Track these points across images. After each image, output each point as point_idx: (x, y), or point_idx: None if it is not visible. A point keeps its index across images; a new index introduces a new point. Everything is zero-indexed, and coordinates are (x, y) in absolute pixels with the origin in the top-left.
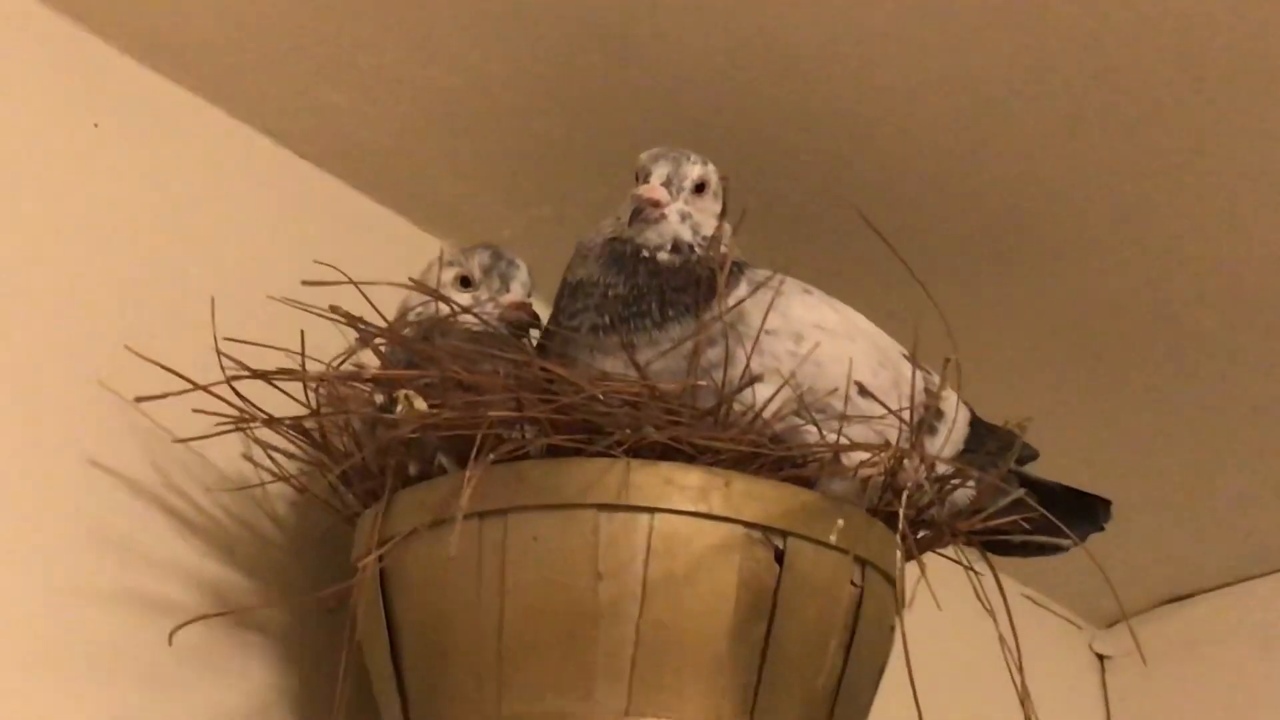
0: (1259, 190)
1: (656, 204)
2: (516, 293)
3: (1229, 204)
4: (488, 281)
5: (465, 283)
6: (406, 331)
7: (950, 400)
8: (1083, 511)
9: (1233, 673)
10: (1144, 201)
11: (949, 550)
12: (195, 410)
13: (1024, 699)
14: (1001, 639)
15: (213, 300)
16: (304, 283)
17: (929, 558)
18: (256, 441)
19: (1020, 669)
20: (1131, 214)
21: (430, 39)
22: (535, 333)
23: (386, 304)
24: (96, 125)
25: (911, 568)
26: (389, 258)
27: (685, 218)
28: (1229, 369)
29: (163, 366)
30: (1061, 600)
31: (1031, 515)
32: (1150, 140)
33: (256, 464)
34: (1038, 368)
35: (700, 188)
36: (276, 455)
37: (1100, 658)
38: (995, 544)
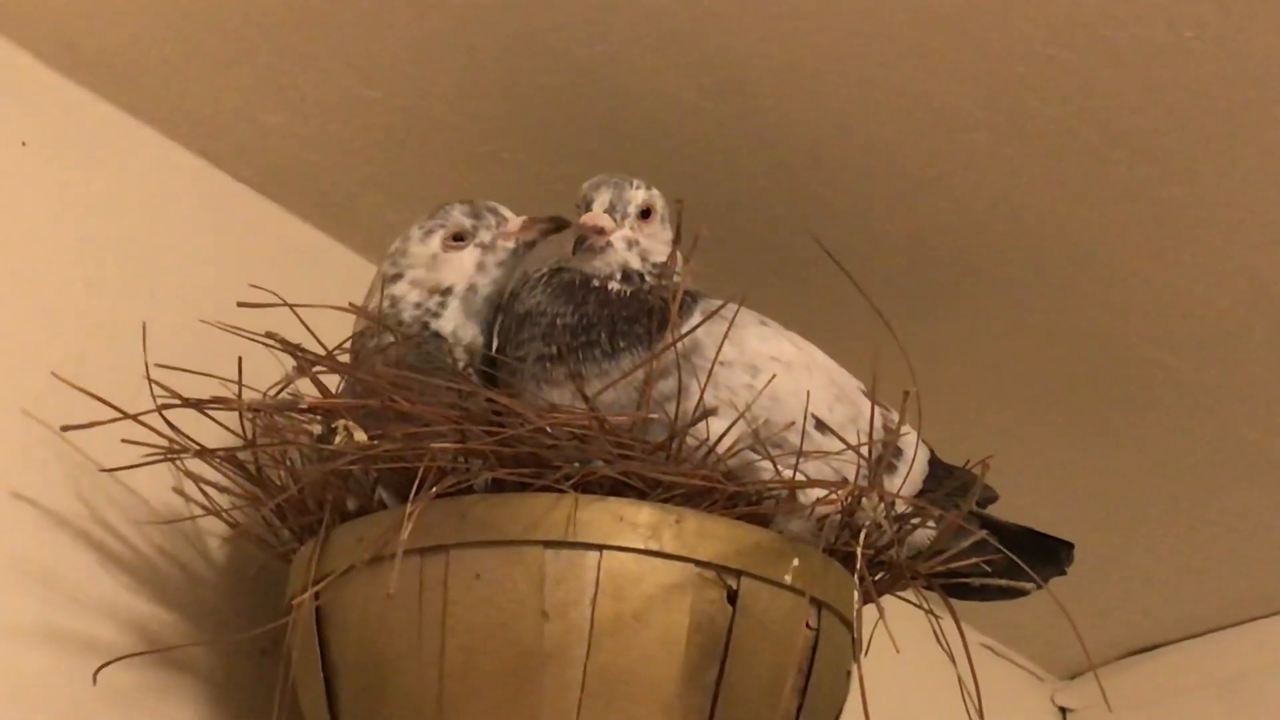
0: (1226, 225)
1: (601, 231)
2: (515, 219)
3: (1196, 239)
4: (482, 224)
5: (459, 239)
6: (345, 359)
7: (910, 438)
8: (1044, 554)
9: None
10: (1109, 235)
11: (908, 595)
12: (125, 441)
13: None
14: (961, 683)
15: (144, 326)
16: (240, 304)
17: (887, 601)
18: (188, 475)
19: (980, 713)
20: (1096, 248)
21: (374, 58)
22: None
23: (324, 331)
24: (24, 144)
25: (869, 611)
26: (327, 285)
27: (632, 245)
28: (1194, 411)
29: (90, 394)
30: (1023, 651)
31: (993, 557)
32: (1116, 171)
33: (188, 498)
34: (998, 407)
35: (646, 213)
36: (209, 489)
37: (1063, 711)
38: (955, 587)
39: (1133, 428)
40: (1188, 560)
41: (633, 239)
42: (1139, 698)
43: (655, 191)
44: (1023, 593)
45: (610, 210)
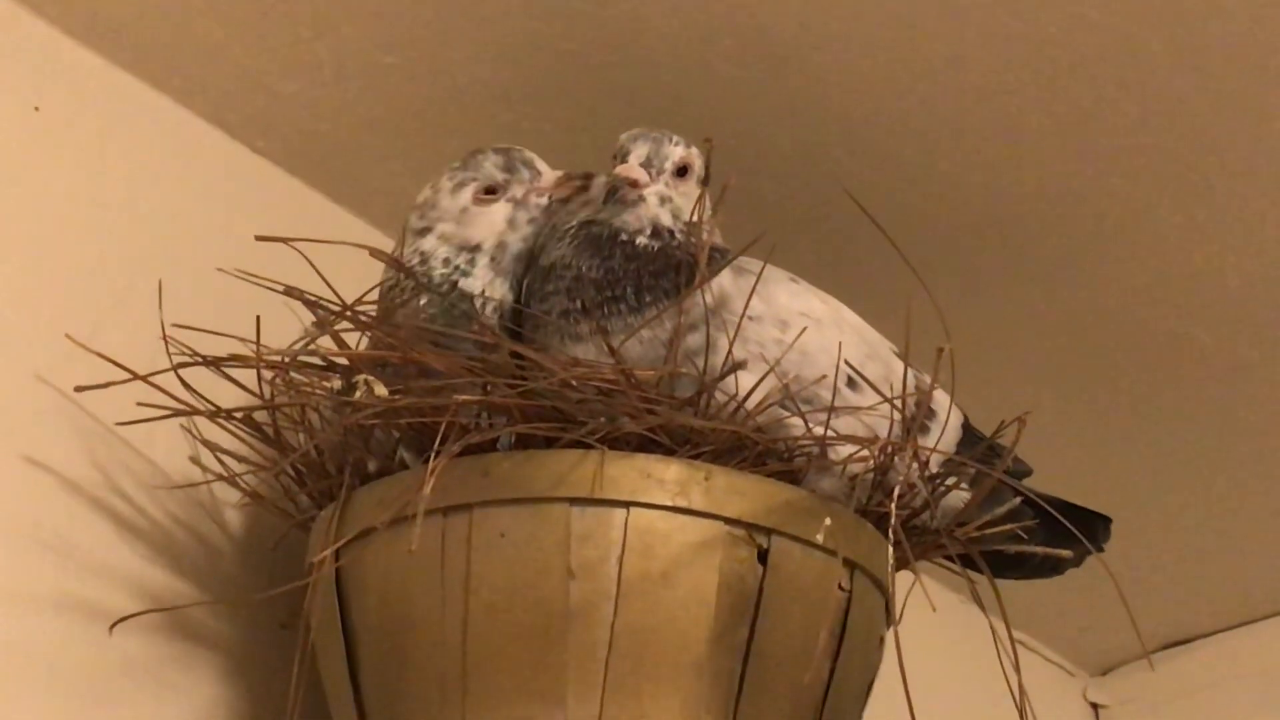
0: (1260, 196)
1: (635, 184)
2: (550, 173)
3: (1229, 210)
4: (515, 178)
5: (490, 192)
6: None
7: (943, 400)
8: (1081, 529)
9: None
10: (1140, 203)
11: (944, 562)
12: (140, 404)
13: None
14: (998, 644)
15: (160, 284)
16: (258, 237)
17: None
18: (204, 444)
19: (1017, 669)
20: (1127, 217)
21: (393, 24)
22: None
23: (344, 290)
24: (38, 109)
25: (902, 580)
26: (340, 257)
27: (665, 201)
28: (1228, 390)
29: (104, 357)
30: (1054, 646)
31: (1029, 523)
32: (1151, 140)
33: (204, 467)
34: (1025, 384)
35: (682, 171)
36: (225, 455)
37: (1095, 706)
38: (990, 560)
39: (1164, 406)
40: (1222, 549)
41: (666, 195)
42: (1174, 693)
43: (694, 150)
44: (1060, 565)
45: (646, 164)
